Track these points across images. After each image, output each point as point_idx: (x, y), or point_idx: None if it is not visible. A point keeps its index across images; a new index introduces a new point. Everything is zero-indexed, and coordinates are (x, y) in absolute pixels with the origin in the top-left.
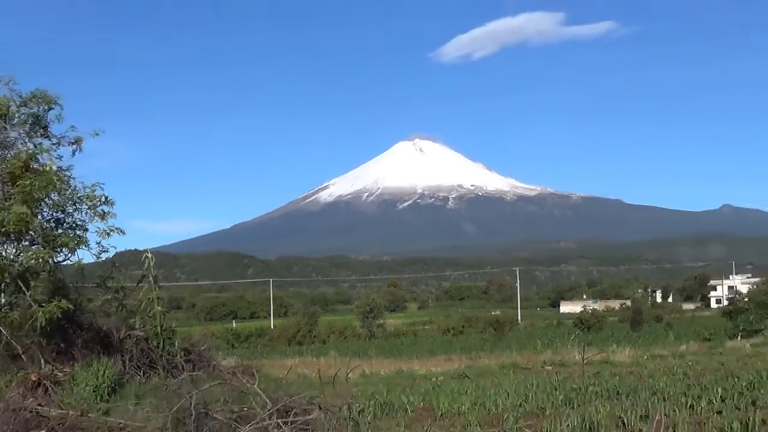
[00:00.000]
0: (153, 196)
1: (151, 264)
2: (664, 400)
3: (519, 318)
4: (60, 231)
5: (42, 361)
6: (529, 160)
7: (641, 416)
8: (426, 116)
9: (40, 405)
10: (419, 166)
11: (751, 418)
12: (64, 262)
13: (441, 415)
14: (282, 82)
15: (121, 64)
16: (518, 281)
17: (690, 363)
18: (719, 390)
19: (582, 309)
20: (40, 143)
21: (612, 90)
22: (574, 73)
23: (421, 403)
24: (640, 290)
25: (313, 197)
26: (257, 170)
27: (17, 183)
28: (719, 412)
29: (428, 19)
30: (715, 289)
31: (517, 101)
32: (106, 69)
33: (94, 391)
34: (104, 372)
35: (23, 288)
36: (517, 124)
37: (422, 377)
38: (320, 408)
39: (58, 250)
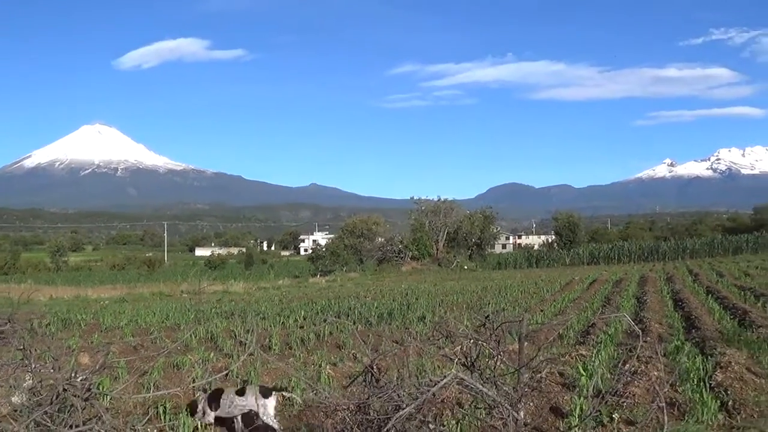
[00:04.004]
0: None
1: None
2: (264, 318)
3: (165, 259)
4: None
5: None
6: (178, 144)
7: (247, 330)
8: (105, 107)
9: None
10: (98, 144)
11: (322, 331)
12: None
13: (105, 328)
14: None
15: None
16: (165, 232)
17: (284, 293)
18: (303, 312)
19: (211, 253)
20: None
21: (240, 95)
22: (216, 82)
23: (92, 320)
24: (252, 241)
25: (19, 164)
26: None
27: None
28: (301, 327)
29: (111, 33)
30: (304, 242)
31: (173, 101)
32: None
33: None
34: None
35: None
36: (171, 117)
37: (93, 301)
38: (11, 321)
39: None
